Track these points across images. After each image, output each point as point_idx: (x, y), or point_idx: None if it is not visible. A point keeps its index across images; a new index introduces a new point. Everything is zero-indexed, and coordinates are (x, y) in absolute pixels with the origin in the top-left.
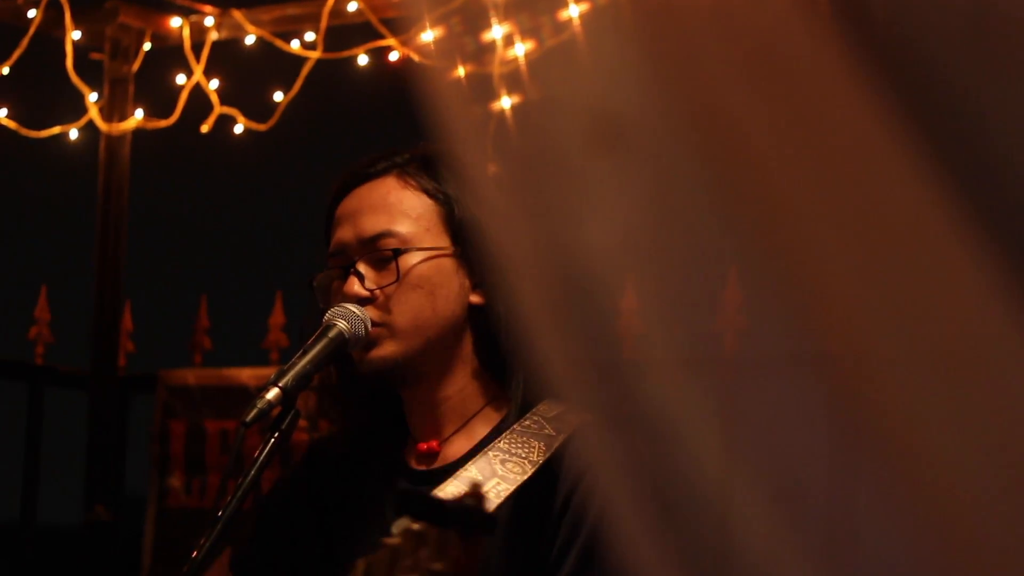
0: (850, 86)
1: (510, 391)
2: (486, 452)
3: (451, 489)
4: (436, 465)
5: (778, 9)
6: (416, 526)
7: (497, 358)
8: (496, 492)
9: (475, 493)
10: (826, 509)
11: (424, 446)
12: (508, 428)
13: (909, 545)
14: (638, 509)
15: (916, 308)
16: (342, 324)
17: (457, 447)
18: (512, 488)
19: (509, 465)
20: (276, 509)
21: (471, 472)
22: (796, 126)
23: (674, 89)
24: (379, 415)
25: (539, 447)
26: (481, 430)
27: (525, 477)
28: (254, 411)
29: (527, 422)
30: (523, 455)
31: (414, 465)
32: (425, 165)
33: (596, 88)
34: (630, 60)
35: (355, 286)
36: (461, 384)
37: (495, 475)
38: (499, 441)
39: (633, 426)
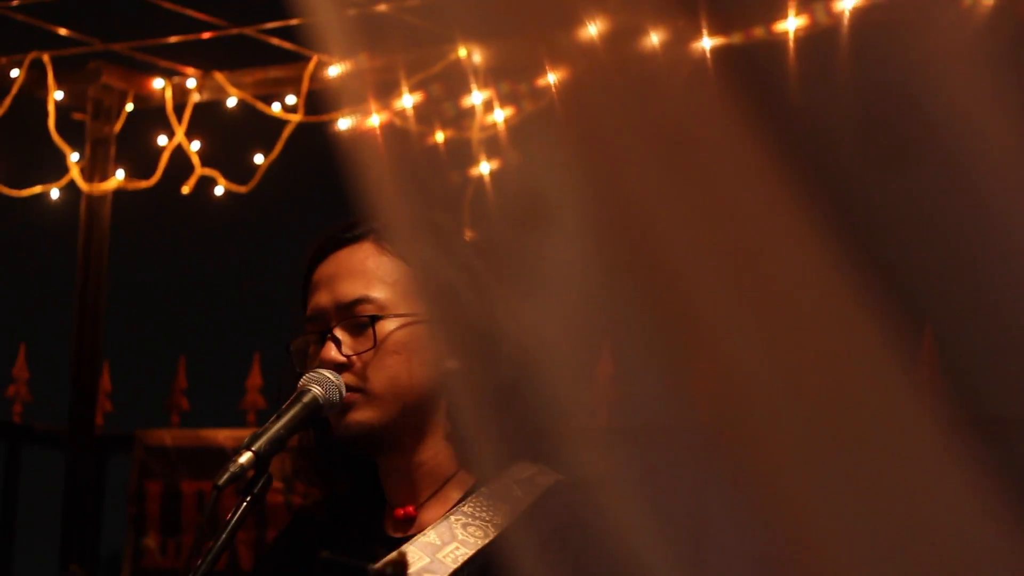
0: (747, 162)
1: (482, 454)
2: (447, 516)
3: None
4: (412, 532)
5: (687, 91)
6: None
7: (470, 422)
8: (453, 557)
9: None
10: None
11: (401, 512)
12: (476, 491)
13: None
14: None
15: (805, 379)
16: (316, 390)
17: (433, 512)
18: (471, 552)
19: (471, 529)
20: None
21: (430, 537)
22: (697, 203)
23: (590, 170)
24: (358, 482)
25: (504, 509)
26: (455, 494)
27: (486, 541)
28: (227, 475)
29: (496, 484)
30: (487, 518)
31: (391, 532)
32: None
33: (531, 166)
34: (557, 143)
35: (332, 351)
36: (435, 449)
37: (454, 539)
38: (463, 505)
39: (605, 489)
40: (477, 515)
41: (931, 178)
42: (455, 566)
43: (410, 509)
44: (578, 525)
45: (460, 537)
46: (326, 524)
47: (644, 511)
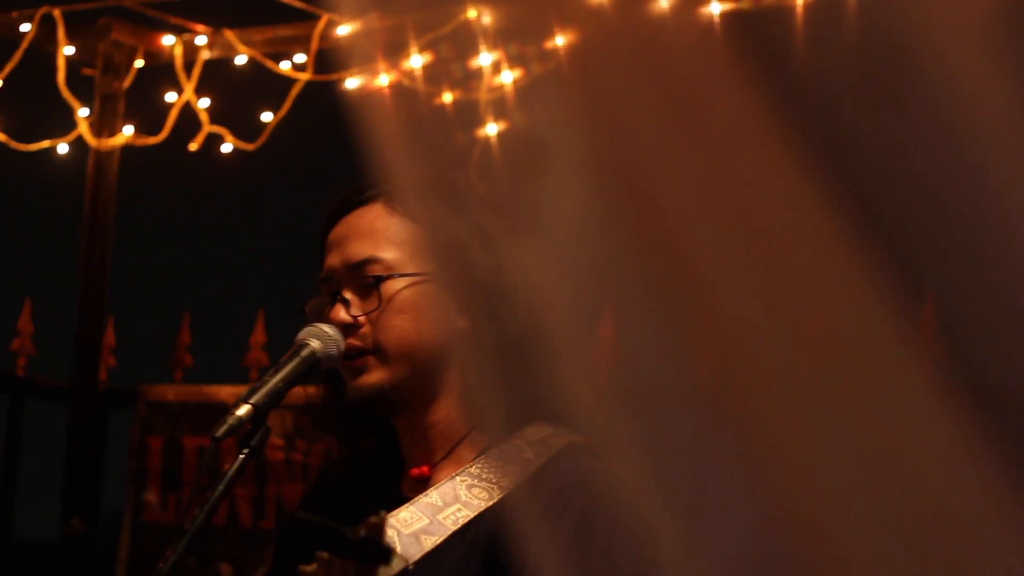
0: (752, 127)
1: (494, 414)
2: (453, 477)
3: (404, 515)
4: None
5: (694, 55)
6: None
7: (482, 382)
8: (454, 519)
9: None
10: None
11: (415, 472)
12: (487, 452)
13: None
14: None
15: (806, 342)
16: (315, 343)
17: (446, 473)
18: (473, 514)
19: (475, 491)
20: (288, 538)
21: (431, 498)
22: (701, 165)
23: (597, 132)
24: (381, 440)
25: (513, 471)
26: (468, 455)
27: (490, 503)
28: (225, 427)
29: (507, 445)
30: (493, 480)
31: (406, 492)
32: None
33: (538, 128)
34: (565, 106)
35: (340, 312)
36: (448, 409)
37: (457, 501)
38: (471, 466)
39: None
40: (484, 476)
41: (933, 148)
42: (455, 527)
43: (424, 469)
44: (582, 486)
45: (463, 498)
46: (348, 482)
47: (645, 472)
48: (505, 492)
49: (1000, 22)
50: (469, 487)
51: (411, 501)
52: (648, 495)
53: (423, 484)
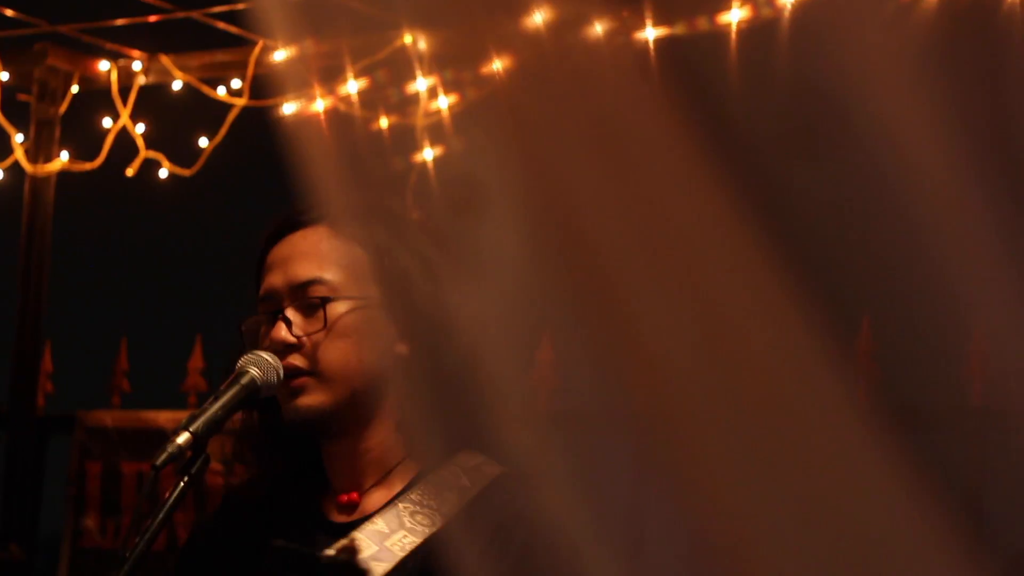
0: (683, 157)
1: (429, 441)
2: (395, 504)
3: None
4: (355, 517)
5: (629, 81)
6: None
7: (418, 409)
8: (401, 545)
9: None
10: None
11: (344, 498)
12: (423, 478)
13: None
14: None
15: (737, 369)
16: (254, 371)
17: (377, 499)
18: (419, 541)
19: (418, 517)
20: (192, 562)
21: (378, 525)
22: (630, 193)
23: (533, 158)
24: (297, 462)
25: (451, 499)
26: (399, 482)
27: (434, 529)
28: (164, 455)
29: (444, 472)
30: (434, 507)
31: (332, 517)
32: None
33: (474, 153)
34: (500, 131)
35: (282, 332)
36: (383, 435)
37: (402, 527)
38: (411, 492)
39: (546, 478)
40: (424, 503)
41: (865, 174)
42: (403, 554)
43: (354, 495)
44: (522, 519)
45: (408, 525)
46: (260, 505)
47: (582, 497)
48: (446, 519)
49: (936, 47)
50: (412, 514)
51: (358, 528)
52: (583, 522)
53: (351, 509)
